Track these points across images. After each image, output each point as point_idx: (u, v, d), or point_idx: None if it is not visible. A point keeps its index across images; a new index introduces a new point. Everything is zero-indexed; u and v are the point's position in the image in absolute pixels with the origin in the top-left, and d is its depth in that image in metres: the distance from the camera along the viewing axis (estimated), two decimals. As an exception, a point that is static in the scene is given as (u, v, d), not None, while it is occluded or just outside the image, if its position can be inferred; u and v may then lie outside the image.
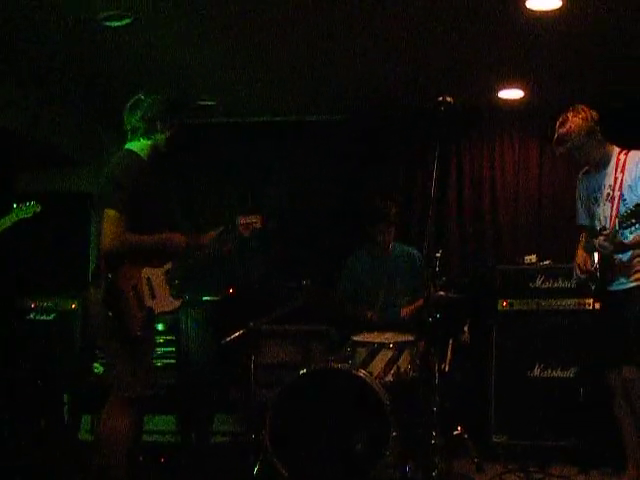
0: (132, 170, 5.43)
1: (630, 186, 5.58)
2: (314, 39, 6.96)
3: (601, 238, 5.48)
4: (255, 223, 5.76)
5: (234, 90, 8.38)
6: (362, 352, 6.63)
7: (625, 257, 5.62)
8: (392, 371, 6.53)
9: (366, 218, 7.60)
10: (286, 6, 6.32)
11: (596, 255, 5.72)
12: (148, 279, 5.40)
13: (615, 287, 5.71)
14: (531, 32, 6.66)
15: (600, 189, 5.77)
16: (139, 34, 6.80)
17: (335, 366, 6.38)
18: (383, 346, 6.63)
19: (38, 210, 6.50)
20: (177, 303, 5.56)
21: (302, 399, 6.21)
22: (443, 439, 6.40)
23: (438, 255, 6.16)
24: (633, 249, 5.57)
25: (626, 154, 5.71)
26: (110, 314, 5.22)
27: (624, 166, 5.64)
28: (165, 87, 7.87)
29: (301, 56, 7.38)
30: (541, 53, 7.12)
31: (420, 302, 7.23)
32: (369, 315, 7.35)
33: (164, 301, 5.47)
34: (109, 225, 5.26)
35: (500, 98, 8.38)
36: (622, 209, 5.46)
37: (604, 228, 5.56)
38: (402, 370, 6.53)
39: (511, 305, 7.45)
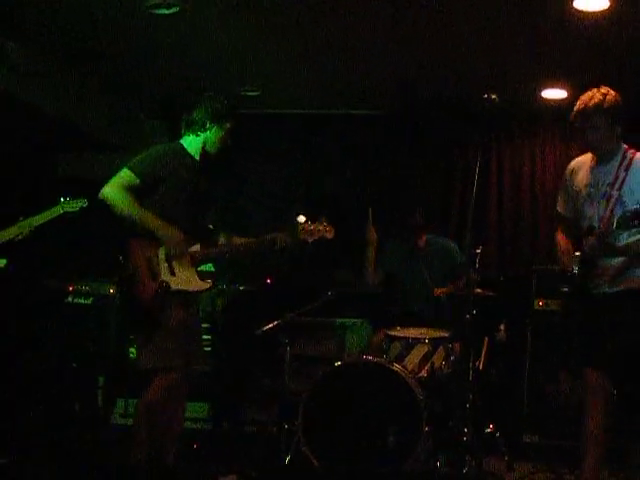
0: (169, 155, 5.60)
1: (632, 189, 5.22)
2: (359, 32, 6.98)
3: (591, 238, 5.16)
4: (327, 233, 5.73)
5: (279, 81, 8.40)
6: (397, 346, 6.66)
7: (614, 262, 5.26)
8: (426, 366, 6.55)
9: (401, 209, 7.61)
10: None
11: (577, 255, 5.36)
12: (167, 256, 5.49)
13: (599, 290, 5.32)
14: (577, 32, 6.65)
15: (597, 185, 5.37)
16: (186, 23, 6.85)
17: (370, 359, 6.38)
18: (418, 341, 6.66)
19: (85, 206, 6.55)
20: (204, 285, 5.63)
21: (336, 391, 6.22)
22: (474, 436, 6.40)
23: (478, 252, 6.15)
24: (623, 255, 5.22)
25: (633, 154, 5.36)
26: (119, 282, 5.38)
27: (629, 166, 5.28)
28: (209, 77, 7.98)
29: (346, 50, 7.40)
30: (586, 54, 7.11)
31: (455, 285, 7.23)
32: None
33: (187, 281, 5.56)
34: (117, 177, 5.44)
35: (543, 97, 8.36)
36: (618, 210, 5.10)
37: (593, 228, 5.22)
38: (436, 366, 6.54)
39: (547, 305, 7.42)
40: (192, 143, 5.69)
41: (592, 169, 5.43)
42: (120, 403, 7.81)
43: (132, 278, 5.45)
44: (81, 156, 9.33)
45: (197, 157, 5.71)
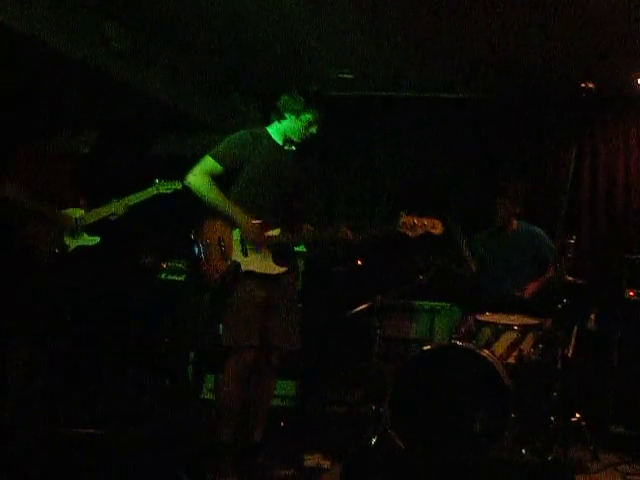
0: (248, 140, 5.80)
1: None
2: (455, 16, 6.95)
3: None
4: (433, 229, 5.78)
5: (372, 64, 8.41)
6: (486, 332, 6.66)
7: None
8: (515, 353, 6.55)
9: (491, 194, 7.60)
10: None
11: None
12: (241, 237, 5.65)
13: None
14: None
15: None
16: (283, 5, 6.89)
17: (459, 344, 6.41)
18: (507, 327, 6.66)
19: (179, 188, 6.66)
20: (279, 269, 5.75)
21: (424, 375, 6.27)
22: (561, 424, 6.39)
23: (572, 241, 6.11)
24: None
25: None
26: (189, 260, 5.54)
27: None
28: (304, 59, 8.02)
29: (441, 33, 7.38)
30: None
31: (544, 279, 7.22)
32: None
33: (261, 263, 5.70)
34: (200, 164, 5.70)
35: (639, 85, 8.26)
36: None
37: None
38: (525, 353, 6.54)
39: (638, 295, 7.36)
40: (276, 130, 5.88)
41: None
42: (210, 378, 7.93)
43: (201, 257, 5.62)
44: (177, 136, 9.46)
45: (281, 143, 5.87)
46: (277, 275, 5.76)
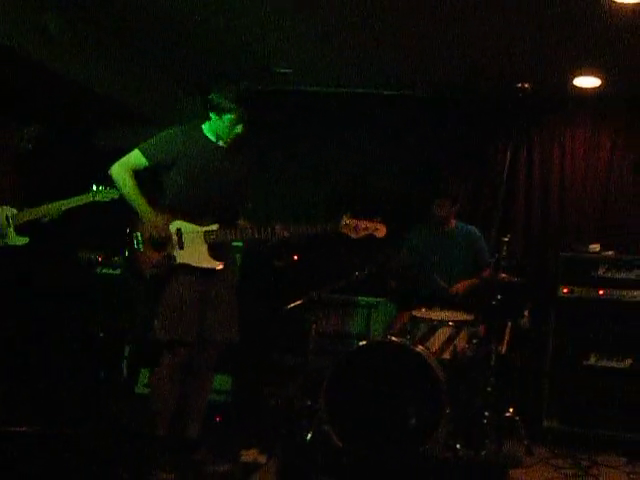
0: (180, 137, 5.83)
1: None
2: (394, 12, 6.97)
3: None
4: (376, 231, 5.81)
5: (311, 59, 8.42)
6: (421, 328, 6.70)
7: None
8: (449, 349, 6.60)
9: (429, 192, 7.65)
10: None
11: None
12: (178, 230, 5.69)
13: None
14: (613, 22, 6.61)
15: None
16: (223, 1, 6.88)
17: (394, 340, 6.43)
18: (442, 323, 6.70)
19: (116, 197, 6.62)
20: (215, 264, 5.76)
21: (359, 370, 6.28)
22: (494, 420, 6.46)
23: (506, 240, 6.17)
24: None
25: None
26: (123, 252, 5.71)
27: None
28: (242, 54, 8.01)
29: (378, 29, 7.39)
30: (622, 44, 7.06)
31: (474, 281, 7.29)
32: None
33: (196, 256, 5.71)
34: (127, 157, 5.80)
35: (575, 85, 8.34)
36: None
37: None
38: (459, 349, 6.60)
39: (571, 292, 7.45)
40: (208, 128, 5.90)
41: None
42: (145, 373, 7.89)
43: (136, 249, 5.66)
44: (120, 129, 9.42)
45: (214, 139, 5.88)
46: (213, 269, 5.76)
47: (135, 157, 5.76)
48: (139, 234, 5.66)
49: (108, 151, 8.57)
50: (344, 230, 5.77)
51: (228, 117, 5.75)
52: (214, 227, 5.72)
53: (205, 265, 5.72)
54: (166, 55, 8.40)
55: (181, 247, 5.68)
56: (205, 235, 5.71)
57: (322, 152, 9.24)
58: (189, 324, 5.64)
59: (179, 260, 5.66)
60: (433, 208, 7.51)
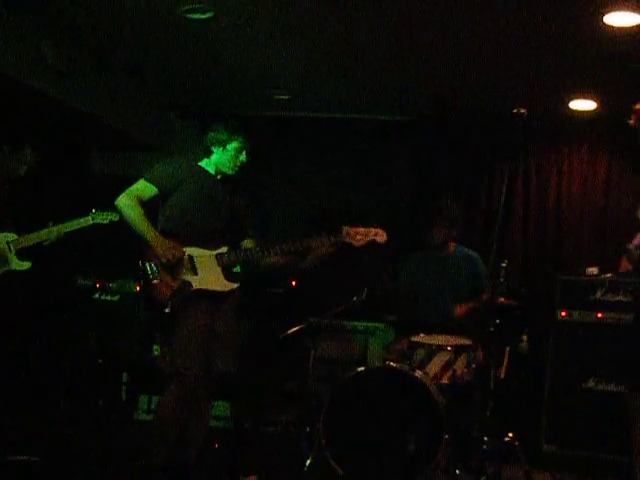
0: (183, 165, 5.92)
1: None
2: (389, 40, 7.01)
3: None
4: (377, 236, 5.85)
5: (308, 85, 8.46)
6: (420, 353, 6.67)
7: None
8: (448, 374, 6.57)
9: (427, 216, 7.64)
10: (362, 9, 6.41)
11: None
12: (190, 256, 5.66)
13: None
14: (608, 47, 6.65)
15: None
16: (219, 28, 6.90)
17: (393, 366, 6.42)
18: (441, 348, 6.67)
19: (115, 220, 6.63)
20: (230, 286, 5.77)
21: (358, 396, 6.26)
22: (494, 445, 6.44)
23: (504, 265, 6.16)
24: None
25: None
26: (139, 289, 5.73)
27: None
28: (240, 80, 8.05)
29: (377, 55, 7.43)
30: (618, 67, 7.11)
31: (474, 304, 7.28)
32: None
33: (211, 280, 5.70)
34: (133, 187, 5.76)
35: (571, 109, 8.37)
36: None
37: None
38: (458, 373, 6.57)
39: (570, 315, 7.43)
40: (207, 164, 5.95)
41: None
42: (143, 399, 7.89)
43: (151, 278, 5.61)
44: (114, 154, 9.44)
45: (213, 173, 5.94)
46: (226, 294, 5.77)
47: (141, 186, 5.74)
48: (152, 264, 5.63)
49: (105, 177, 8.69)
50: (346, 240, 5.79)
51: (233, 146, 5.82)
52: (224, 249, 5.74)
53: (221, 288, 5.74)
54: (163, 82, 8.44)
55: (195, 273, 5.67)
56: (217, 258, 5.72)
57: (316, 177, 9.29)
58: (199, 355, 5.64)
59: (195, 286, 5.66)
60: (431, 233, 7.50)
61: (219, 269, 5.73)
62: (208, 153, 5.89)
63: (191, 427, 5.85)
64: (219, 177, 5.92)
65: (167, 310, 5.58)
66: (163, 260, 5.59)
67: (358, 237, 5.80)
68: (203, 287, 5.67)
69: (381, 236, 5.85)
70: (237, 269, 5.98)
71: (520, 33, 6.60)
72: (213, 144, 5.85)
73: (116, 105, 8.37)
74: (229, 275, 5.78)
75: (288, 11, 6.53)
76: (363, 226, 5.84)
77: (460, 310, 7.32)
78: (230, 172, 5.90)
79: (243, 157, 5.87)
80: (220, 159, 5.87)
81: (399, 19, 6.54)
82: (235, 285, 5.79)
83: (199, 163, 5.95)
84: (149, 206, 5.77)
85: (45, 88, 7.35)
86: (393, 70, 7.77)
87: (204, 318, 5.67)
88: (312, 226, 9.15)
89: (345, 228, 5.81)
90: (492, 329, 6.16)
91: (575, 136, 8.85)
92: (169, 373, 5.68)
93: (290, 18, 6.67)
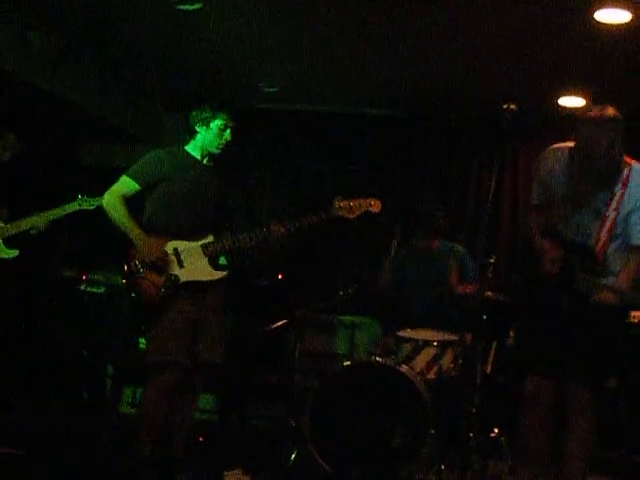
0: (164, 157, 5.83)
1: (629, 211, 4.99)
2: (379, 35, 7.02)
3: (583, 276, 4.99)
4: (372, 207, 5.84)
5: (297, 78, 8.45)
6: (406, 348, 6.68)
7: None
8: (434, 369, 6.58)
9: (414, 222, 7.64)
10: (352, 2, 6.41)
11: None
12: (175, 249, 5.66)
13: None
14: (598, 43, 6.66)
15: (587, 197, 5.09)
16: (208, 19, 6.88)
17: (379, 360, 6.41)
18: (427, 343, 6.68)
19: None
20: (219, 274, 5.77)
21: (343, 391, 6.27)
22: (479, 440, 6.43)
23: (492, 261, 6.15)
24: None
25: (630, 168, 5.03)
26: (125, 283, 5.67)
27: (627, 181, 4.97)
28: (229, 72, 8.02)
29: (365, 50, 7.43)
30: (607, 64, 7.11)
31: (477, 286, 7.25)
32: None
33: (198, 271, 5.68)
34: (116, 185, 5.76)
35: (560, 105, 8.38)
36: (616, 232, 4.99)
37: (589, 249, 5.05)
38: (444, 369, 6.57)
39: (556, 311, 7.42)
40: (193, 147, 5.91)
41: (586, 177, 5.12)
42: (128, 392, 7.86)
43: (138, 273, 5.59)
44: (103, 146, 9.41)
45: (200, 157, 5.89)
46: (213, 283, 5.75)
47: (124, 183, 5.73)
48: (137, 262, 5.61)
49: (92, 169, 8.65)
50: (340, 213, 5.77)
51: (216, 123, 5.78)
52: (210, 239, 5.72)
53: (209, 277, 5.72)
54: (151, 73, 8.41)
55: (181, 265, 5.65)
56: (203, 249, 5.70)
57: (306, 169, 9.28)
58: (183, 347, 5.62)
59: (183, 278, 5.64)
60: (414, 237, 7.50)
61: (205, 259, 5.71)
62: (193, 134, 5.85)
63: (176, 420, 5.83)
64: (205, 161, 5.89)
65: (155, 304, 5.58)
66: (147, 260, 5.59)
67: (352, 209, 5.79)
68: (190, 279, 5.66)
69: (376, 206, 5.84)
70: (222, 261, 5.98)
71: (510, 29, 6.60)
72: (196, 123, 5.80)
73: (103, 96, 8.33)
74: (215, 265, 5.78)
75: (276, 3, 6.53)
76: (356, 197, 5.83)
77: (464, 288, 7.29)
78: (216, 151, 5.86)
79: (228, 135, 5.82)
80: (205, 138, 5.82)
81: (389, 14, 6.53)
82: (222, 273, 5.79)
83: (185, 147, 5.91)
84: (137, 198, 5.76)
85: (32, 78, 7.32)
86: (381, 65, 7.77)
87: (187, 309, 5.65)
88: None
89: (337, 202, 5.80)
90: (478, 323, 6.15)
91: (565, 133, 8.81)
92: (150, 364, 5.65)
93: (278, 10, 6.66)
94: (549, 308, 5.24)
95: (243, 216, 6.23)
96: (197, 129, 5.82)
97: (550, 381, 5.31)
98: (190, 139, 5.90)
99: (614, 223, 5.03)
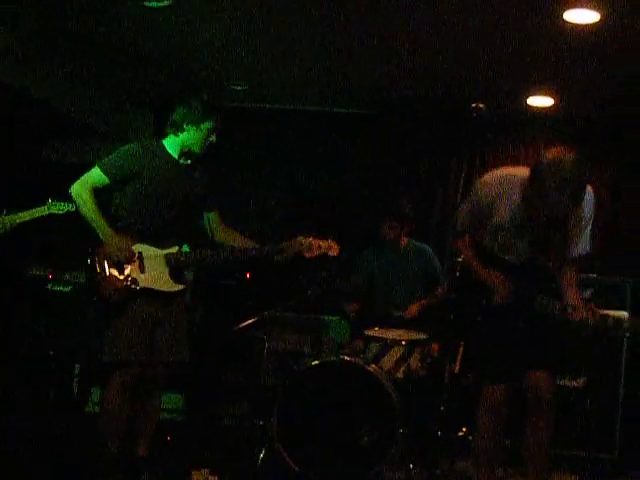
0: (139, 153, 5.67)
1: (573, 225, 4.93)
2: (346, 31, 7.00)
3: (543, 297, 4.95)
4: (330, 250, 5.80)
5: (265, 76, 8.43)
6: (374, 347, 6.70)
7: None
8: (402, 368, 6.60)
9: (379, 213, 7.64)
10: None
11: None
12: (140, 254, 5.57)
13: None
14: (567, 43, 6.69)
15: (534, 229, 4.97)
16: (176, 16, 6.86)
17: (347, 359, 6.40)
18: (395, 343, 6.69)
19: (72, 210, 6.56)
20: (176, 287, 5.68)
21: (312, 389, 6.26)
22: (447, 439, 6.44)
23: (459, 260, 6.15)
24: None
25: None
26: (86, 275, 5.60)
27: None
28: (197, 69, 8.00)
29: (334, 48, 7.43)
30: (575, 64, 7.14)
31: (428, 300, 7.28)
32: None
33: (157, 280, 5.60)
34: (87, 175, 5.59)
35: (529, 105, 8.40)
36: None
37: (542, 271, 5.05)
38: (412, 368, 6.59)
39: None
40: (172, 143, 5.74)
41: (527, 207, 4.94)
42: (95, 392, 7.80)
43: (96, 271, 5.53)
44: (68, 142, 9.36)
45: (177, 156, 5.75)
46: (172, 294, 5.68)
47: (95, 174, 5.57)
48: (101, 257, 5.56)
49: (58, 166, 8.59)
50: (298, 249, 5.75)
51: (206, 126, 5.66)
52: (174, 250, 5.65)
53: (166, 288, 5.63)
54: (117, 70, 8.36)
55: (142, 271, 5.57)
56: (166, 258, 5.63)
57: (272, 168, 9.27)
58: (138, 345, 5.56)
59: (142, 284, 5.56)
60: (383, 229, 7.50)
61: (167, 269, 5.63)
62: (177, 130, 5.69)
63: (140, 419, 5.80)
64: (182, 160, 5.77)
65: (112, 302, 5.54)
66: (113, 258, 5.53)
67: (312, 249, 5.78)
68: (149, 286, 5.59)
69: (334, 250, 5.80)
70: (189, 276, 5.95)
71: (479, 28, 6.60)
72: (186, 121, 5.66)
73: (70, 93, 8.28)
74: (177, 276, 5.69)
75: (245, 0, 6.50)
76: (318, 238, 5.79)
77: (414, 309, 7.31)
78: (199, 151, 5.75)
79: (213, 138, 5.73)
80: (191, 138, 5.69)
81: (356, 11, 6.53)
82: (182, 287, 5.71)
83: (163, 141, 5.76)
84: (107, 189, 5.69)
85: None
86: (349, 63, 7.77)
87: (146, 308, 5.58)
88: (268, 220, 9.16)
89: (299, 238, 5.76)
90: (445, 323, 6.15)
91: (533, 132, 8.88)
92: (108, 363, 5.61)
93: (247, 8, 6.63)
94: (503, 326, 5.17)
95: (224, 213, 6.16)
96: (185, 128, 5.68)
97: (507, 385, 5.34)
98: (170, 133, 5.73)
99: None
